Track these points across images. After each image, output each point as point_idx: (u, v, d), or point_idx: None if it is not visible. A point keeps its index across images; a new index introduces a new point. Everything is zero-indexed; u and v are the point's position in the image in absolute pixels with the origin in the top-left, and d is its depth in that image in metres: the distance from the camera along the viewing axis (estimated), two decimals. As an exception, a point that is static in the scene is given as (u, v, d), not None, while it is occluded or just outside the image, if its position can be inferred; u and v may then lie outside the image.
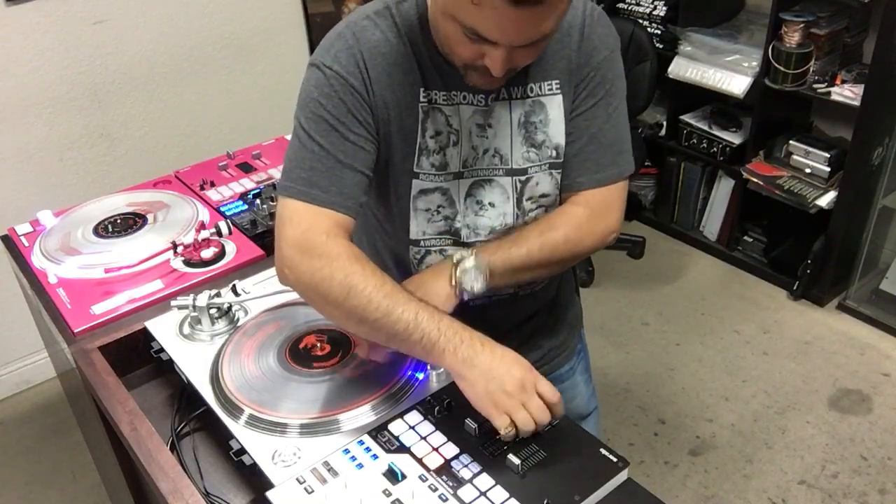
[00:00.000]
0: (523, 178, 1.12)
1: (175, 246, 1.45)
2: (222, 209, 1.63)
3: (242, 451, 1.00)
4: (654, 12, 2.94)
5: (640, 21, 2.93)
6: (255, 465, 0.98)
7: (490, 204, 1.13)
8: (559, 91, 1.09)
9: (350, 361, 1.12)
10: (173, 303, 1.22)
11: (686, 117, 3.02)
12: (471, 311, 1.13)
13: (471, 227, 1.14)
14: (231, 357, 1.15)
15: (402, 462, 0.95)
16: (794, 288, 2.82)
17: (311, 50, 2.76)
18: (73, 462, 2.34)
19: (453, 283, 1.07)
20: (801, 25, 2.50)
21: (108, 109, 2.48)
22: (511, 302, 1.22)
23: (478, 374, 0.95)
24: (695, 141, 2.99)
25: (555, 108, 1.10)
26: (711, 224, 3.13)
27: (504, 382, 0.94)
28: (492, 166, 1.11)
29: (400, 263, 1.21)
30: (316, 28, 2.81)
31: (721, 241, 3.10)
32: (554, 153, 1.12)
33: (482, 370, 0.95)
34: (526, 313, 1.28)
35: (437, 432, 1.00)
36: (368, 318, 0.98)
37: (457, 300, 1.09)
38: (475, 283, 1.07)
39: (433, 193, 1.11)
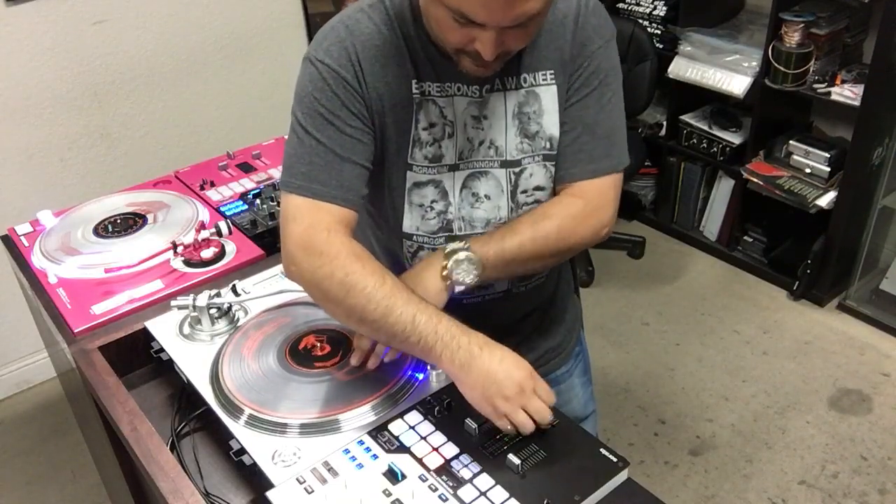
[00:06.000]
0: (517, 169, 1.11)
1: (175, 246, 1.45)
2: (222, 209, 1.63)
3: (242, 451, 1.00)
4: (654, 12, 2.94)
5: (640, 21, 2.93)
6: (255, 465, 0.98)
7: (486, 196, 1.12)
8: (553, 81, 1.09)
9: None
10: (173, 303, 1.22)
11: (686, 117, 3.02)
12: (464, 309, 1.12)
13: (466, 220, 1.13)
14: (231, 357, 1.15)
15: (402, 462, 0.95)
16: (794, 288, 2.82)
17: (311, 50, 2.76)
18: (73, 462, 2.34)
19: (444, 274, 1.06)
20: (801, 25, 2.50)
21: (108, 109, 2.48)
22: (504, 299, 1.22)
23: (475, 378, 0.95)
24: (695, 141, 2.99)
25: (549, 98, 1.09)
26: (711, 224, 3.13)
27: (503, 387, 0.94)
28: (487, 158, 1.11)
29: (394, 257, 1.21)
30: (316, 28, 2.80)
31: (721, 241, 3.10)
32: (548, 144, 1.11)
33: (480, 374, 0.95)
34: (521, 312, 1.27)
35: (437, 432, 1.00)
36: (367, 318, 0.98)
37: (448, 293, 1.07)
38: (468, 276, 1.06)
39: (426, 187, 1.11)
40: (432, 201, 1.12)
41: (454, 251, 1.06)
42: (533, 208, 1.14)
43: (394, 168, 1.10)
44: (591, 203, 1.11)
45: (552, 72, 1.09)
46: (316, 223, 1.01)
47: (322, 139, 1.02)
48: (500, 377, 0.94)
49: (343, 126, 1.03)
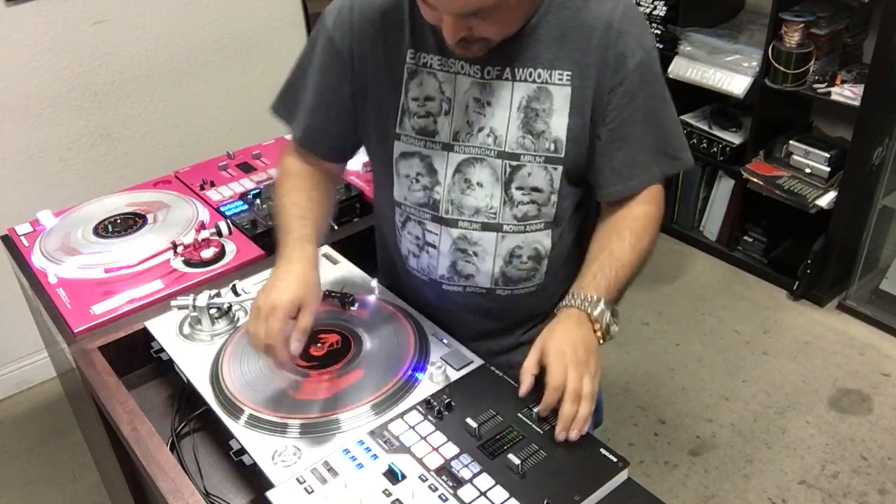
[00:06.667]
0: (514, 163, 1.09)
1: (175, 246, 1.46)
2: (222, 209, 1.63)
3: (242, 451, 1.00)
4: (654, 12, 2.94)
5: (640, 21, 2.93)
6: (255, 465, 0.98)
7: (478, 184, 1.11)
8: (569, 83, 1.05)
9: (351, 362, 1.12)
10: (173, 303, 1.22)
11: (686, 117, 3.01)
12: (446, 296, 1.15)
13: (455, 205, 1.12)
14: (231, 357, 1.15)
15: (402, 462, 0.95)
16: (794, 288, 2.82)
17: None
18: (73, 462, 2.34)
19: (599, 334, 1.11)
20: (801, 25, 2.50)
21: (108, 109, 2.48)
22: (485, 296, 1.19)
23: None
24: (695, 141, 2.99)
25: (561, 98, 1.06)
26: (711, 224, 3.13)
27: (262, 298, 1.01)
28: (484, 145, 1.09)
29: (388, 224, 1.23)
30: (316, 28, 2.81)
31: (721, 241, 3.10)
32: (552, 146, 1.08)
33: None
34: (513, 313, 1.24)
35: (437, 432, 1.00)
36: (277, 220, 1.15)
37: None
38: (614, 325, 1.11)
39: (412, 158, 1.12)
40: (417, 174, 1.12)
41: (593, 309, 1.08)
42: (529, 213, 1.12)
43: (383, 135, 1.13)
44: (660, 204, 1.16)
45: (570, 73, 1.05)
46: (287, 151, 1.24)
47: (293, 80, 1.20)
48: (269, 286, 1.02)
49: (318, 80, 1.15)
